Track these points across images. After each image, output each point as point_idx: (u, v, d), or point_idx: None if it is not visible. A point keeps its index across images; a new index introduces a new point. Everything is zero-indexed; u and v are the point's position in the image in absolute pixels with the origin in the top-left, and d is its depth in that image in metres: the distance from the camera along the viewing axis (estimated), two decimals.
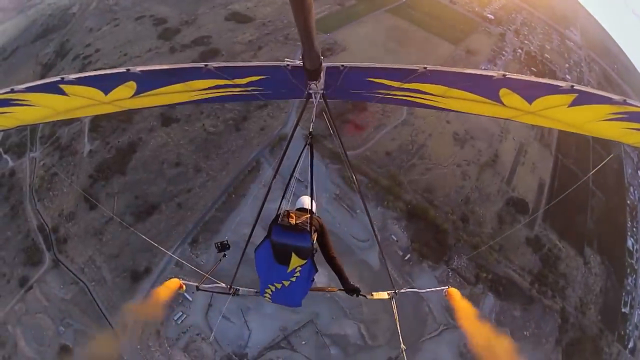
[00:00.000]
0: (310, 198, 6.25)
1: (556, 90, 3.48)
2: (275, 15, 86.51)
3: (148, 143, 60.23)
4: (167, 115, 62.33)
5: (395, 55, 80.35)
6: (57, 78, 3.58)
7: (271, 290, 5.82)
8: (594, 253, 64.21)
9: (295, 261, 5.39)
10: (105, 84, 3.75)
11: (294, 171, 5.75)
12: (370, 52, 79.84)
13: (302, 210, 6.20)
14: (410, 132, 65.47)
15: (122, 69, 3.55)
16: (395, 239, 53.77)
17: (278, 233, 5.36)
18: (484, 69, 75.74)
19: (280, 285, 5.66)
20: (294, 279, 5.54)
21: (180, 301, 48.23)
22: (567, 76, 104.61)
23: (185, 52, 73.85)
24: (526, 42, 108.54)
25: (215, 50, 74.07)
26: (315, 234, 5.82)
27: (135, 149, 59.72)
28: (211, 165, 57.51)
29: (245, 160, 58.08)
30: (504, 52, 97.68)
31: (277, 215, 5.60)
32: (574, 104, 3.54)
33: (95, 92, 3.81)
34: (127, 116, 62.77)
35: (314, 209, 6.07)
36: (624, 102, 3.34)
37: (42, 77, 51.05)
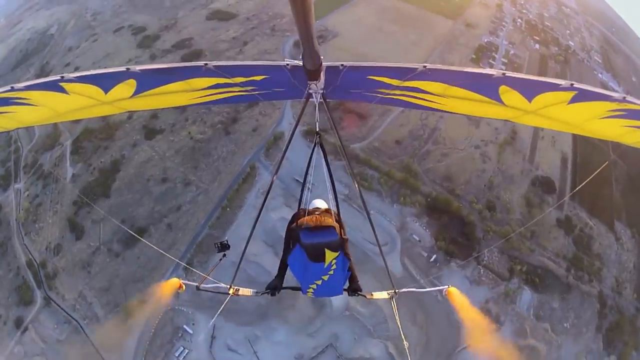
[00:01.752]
0: (322, 200, 6.11)
1: (555, 87, 3.29)
2: (259, 9, 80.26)
3: (131, 159, 53.03)
4: (150, 127, 55.46)
5: (393, 37, 73.22)
6: (58, 77, 3.43)
7: (312, 289, 5.53)
8: (624, 227, 57.57)
9: (330, 255, 5.18)
10: (105, 82, 3.59)
11: (307, 171, 5.48)
12: (365, 36, 72.52)
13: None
14: (419, 116, 57.95)
15: (121, 68, 3.43)
16: (417, 238, 46.12)
17: (306, 235, 5.09)
18: (485, 42, 69.43)
19: (320, 281, 5.44)
20: (332, 272, 5.35)
21: (180, 335, 41.33)
22: (571, 42, 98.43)
23: (167, 57, 67.37)
24: (524, 11, 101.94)
25: (198, 51, 67.63)
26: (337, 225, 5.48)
27: (119, 167, 52.60)
28: (201, 177, 50.09)
29: (239, 166, 50.55)
30: (504, 23, 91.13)
31: (295, 217, 5.64)
32: (573, 101, 3.36)
33: (95, 90, 3.63)
34: (109, 133, 56.34)
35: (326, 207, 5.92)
36: (624, 100, 3.23)
37: None
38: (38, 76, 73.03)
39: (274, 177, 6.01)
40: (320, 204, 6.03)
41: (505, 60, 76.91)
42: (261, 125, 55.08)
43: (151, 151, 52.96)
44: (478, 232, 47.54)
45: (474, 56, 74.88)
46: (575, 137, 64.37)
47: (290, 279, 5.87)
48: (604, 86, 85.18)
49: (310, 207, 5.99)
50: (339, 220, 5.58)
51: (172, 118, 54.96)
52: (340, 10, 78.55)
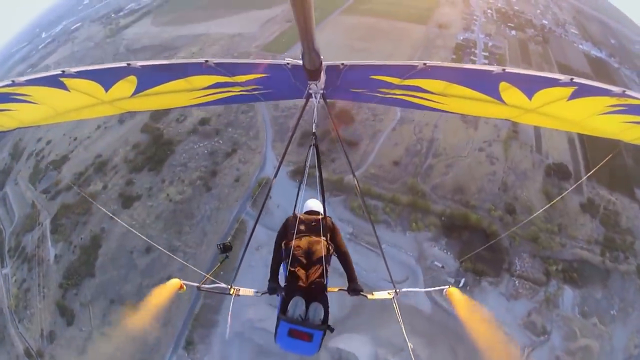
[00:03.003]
0: (315, 200, 6.12)
1: (555, 83, 3.21)
2: (225, 51, 78.23)
3: (112, 232, 48.54)
4: (126, 195, 51.28)
5: (367, 54, 69.50)
6: (59, 71, 3.31)
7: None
8: None
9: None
10: (106, 78, 3.49)
11: (304, 172, 5.35)
12: (338, 57, 65.30)
13: (311, 213, 5.88)
14: (412, 130, 53.99)
15: (122, 64, 3.32)
16: (439, 264, 40.75)
17: (284, 340, 4.38)
18: (462, 40, 65.97)
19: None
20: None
21: None
22: (544, 21, 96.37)
23: (135, 117, 63.77)
24: (491, 0, 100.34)
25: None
26: (329, 234, 5.47)
27: (100, 242, 48.28)
28: (186, 242, 45.08)
29: (226, 223, 45.61)
30: (475, 17, 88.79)
31: (287, 221, 5.58)
32: (573, 96, 3.29)
33: (95, 88, 3.52)
34: (86, 207, 52.28)
35: (321, 210, 5.98)
36: (623, 94, 3.13)
37: (2, 185, 66.93)
38: (12, 155, 73.30)
39: (273, 180, 5.81)
40: (314, 204, 6.05)
41: (487, 54, 73.69)
42: (243, 174, 50.77)
43: (130, 220, 48.46)
44: (504, 241, 42.56)
45: (454, 56, 71.97)
46: None
47: None
48: (587, 56, 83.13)
49: (305, 209, 5.99)
50: (332, 227, 5.57)
51: (147, 181, 51.00)
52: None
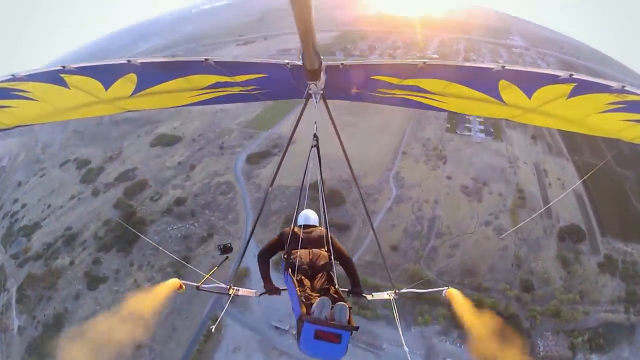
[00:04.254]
0: (312, 211, 5.99)
1: (555, 80, 3.23)
2: (205, 128, 78.31)
3: (75, 314, 44.69)
4: (92, 275, 47.87)
5: (356, 128, 69.18)
6: (59, 67, 3.35)
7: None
8: None
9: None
10: (106, 75, 3.52)
11: (304, 177, 5.40)
12: (327, 134, 66.78)
13: (309, 226, 5.78)
14: (411, 208, 51.32)
15: (122, 60, 3.35)
16: None
17: (309, 343, 4.04)
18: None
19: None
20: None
21: None
22: None
23: (109, 191, 62.09)
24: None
25: (142, 182, 62.77)
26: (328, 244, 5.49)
27: (62, 323, 44.41)
28: (153, 337, 40.12)
29: (198, 320, 40.97)
30: None
31: (282, 235, 5.54)
32: (573, 94, 3.30)
33: (96, 85, 3.53)
34: (51, 281, 49.44)
35: (316, 222, 5.89)
36: (623, 90, 3.15)
37: None
38: None
39: (270, 188, 6.00)
40: (311, 214, 5.94)
41: (481, 119, 73.27)
42: (219, 262, 44.89)
43: (94, 304, 44.68)
44: (524, 322, 39.04)
45: (448, 125, 72.11)
46: (579, 169, 61.81)
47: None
48: None
49: (302, 222, 5.85)
50: (330, 239, 5.43)
51: (115, 263, 47.37)
52: (291, 115, 75.07)
